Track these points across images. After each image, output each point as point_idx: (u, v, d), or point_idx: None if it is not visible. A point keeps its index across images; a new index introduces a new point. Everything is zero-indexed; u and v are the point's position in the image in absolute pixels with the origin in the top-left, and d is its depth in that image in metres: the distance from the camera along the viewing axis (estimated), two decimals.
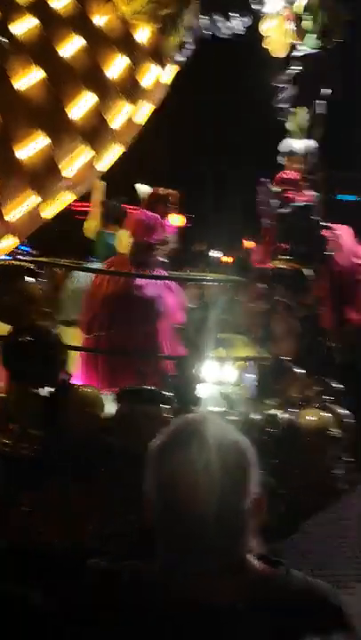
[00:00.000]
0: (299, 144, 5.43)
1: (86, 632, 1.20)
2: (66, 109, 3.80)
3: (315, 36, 5.13)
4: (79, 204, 6.65)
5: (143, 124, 4.38)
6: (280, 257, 5.34)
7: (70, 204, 4.12)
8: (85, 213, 7.05)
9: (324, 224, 5.34)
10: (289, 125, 5.66)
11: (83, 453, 3.41)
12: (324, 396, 4.38)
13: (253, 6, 5.09)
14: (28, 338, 3.63)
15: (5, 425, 3.44)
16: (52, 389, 3.71)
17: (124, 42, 4.17)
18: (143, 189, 5.59)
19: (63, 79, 3.83)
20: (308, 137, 5.40)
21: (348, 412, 4.47)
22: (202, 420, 1.31)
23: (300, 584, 1.26)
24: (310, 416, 4.18)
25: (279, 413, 4.15)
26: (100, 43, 4.06)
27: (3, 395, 3.73)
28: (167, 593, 1.19)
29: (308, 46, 5.21)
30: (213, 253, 15.86)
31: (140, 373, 3.94)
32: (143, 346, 4.94)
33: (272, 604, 1.19)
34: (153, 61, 4.31)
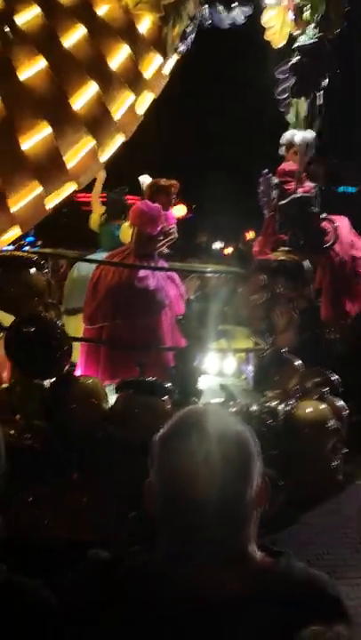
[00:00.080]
0: (300, 135, 5.41)
1: (88, 624, 1.21)
2: (70, 100, 3.79)
3: (314, 26, 5.12)
4: (84, 194, 6.65)
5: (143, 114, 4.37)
6: (280, 248, 5.35)
7: (75, 195, 4.12)
8: (90, 204, 7.07)
9: (324, 215, 5.35)
10: (289, 117, 5.65)
11: (87, 445, 3.42)
12: (323, 388, 4.40)
13: None
14: (32, 329, 3.64)
15: (10, 416, 3.45)
16: (56, 380, 3.73)
17: (128, 32, 4.15)
18: (145, 180, 5.58)
19: (67, 70, 3.82)
20: (309, 128, 5.39)
21: (346, 403, 4.51)
22: (205, 411, 1.32)
23: (301, 575, 1.27)
24: (309, 408, 4.19)
25: (278, 405, 4.17)
26: (103, 33, 4.04)
27: (7, 385, 3.75)
28: (169, 583, 1.20)
29: (308, 37, 5.19)
30: (217, 245, 15.84)
31: (141, 365, 3.95)
32: (145, 337, 4.95)
33: (273, 595, 1.20)
34: (156, 51, 4.30)
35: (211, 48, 6.20)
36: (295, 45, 5.21)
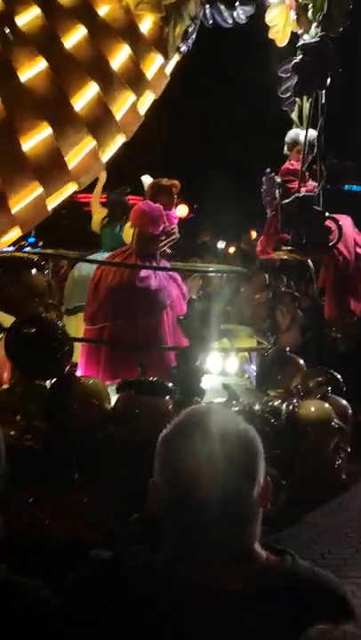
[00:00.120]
0: (303, 134, 5.40)
1: (89, 623, 1.21)
2: (70, 101, 3.78)
3: (316, 25, 5.10)
4: (85, 195, 6.65)
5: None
6: (283, 247, 5.34)
7: (76, 196, 4.12)
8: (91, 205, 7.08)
9: (327, 214, 5.33)
10: (293, 115, 5.65)
11: (88, 445, 3.42)
12: (326, 387, 4.39)
13: None
14: (33, 329, 3.64)
15: (10, 417, 3.45)
16: (57, 381, 3.73)
17: (129, 32, 4.14)
18: (147, 180, 5.58)
19: (68, 70, 3.82)
20: (312, 127, 5.37)
21: (349, 402, 4.50)
22: (209, 410, 1.32)
23: (306, 573, 1.27)
24: (312, 407, 4.19)
25: (281, 404, 4.16)
26: (104, 33, 4.03)
27: (7, 386, 3.75)
28: (172, 582, 1.20)
29: (310, 35, 5.18)
30: (220, 245, 15.85)
31: (142, 365, 3.94)
32: (146, 337, 4.94)
33: (278, 593, 1.20)
34: (157, 52, 4.29)
35: (212, 48, 6.20)
36: (298, 44, 5.20)
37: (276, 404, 4.18)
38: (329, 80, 5.03)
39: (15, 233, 3.76)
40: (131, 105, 4.14)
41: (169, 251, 5.64)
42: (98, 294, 5.10)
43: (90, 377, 4.23)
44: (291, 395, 4.34)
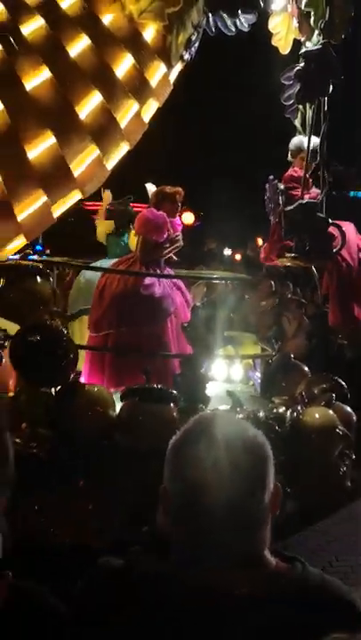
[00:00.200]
0: (307, 141, 5.41)
1: (101, 629, 1.21)
2: (75, 109, 3.80)
3: (318, 32, 5.12)
4: (92, 203, 6.67)
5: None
6: (286, 254, 5.34)
7: (84, 204, 4.14)
8: (97, 213, 7.11)
9: (330, 221, 5.34)
10: (296, 122, 5.66)
11: (93, 453, 3.42)
12: (330, 394, 4.39)
13: (261, 2, 5.08)
14: (38, 337, 3.64)
15: (16, 424, 3.45)
16: (62, 388, 3.73)
17: (132, 41, 4.17)
18: (152, 188, 5.60)
19: (72, 79, 3.84)
20: (315, 134, 5.39)
21: (353, 409, 4.49)
22: (218, 416, 1.33)
23: (316, 580, 1.27)
24: (316, 414, 4.18)
25: (286, 411, 4.15)
26: (107, 42, 4.06)
27: (12, 394, 3.75)
28: (179, 584, 1.20)
29: (313, 43, 5.20)
30: (227, 252, 15.86)
31: (146, 372, 3.94)
32: (151, 345, 4.95)
33: (288, 599, 1.20)
34: (160, 60, 4.31)
35: (215, 56, 6.22)
36: (301, 52, 5.22)
37: (280, 411, 4.18)
38: (331, 87, 5.05)
39: (20, 241, 3.78)
40: (135, 113, 4.16)
41: (175, 258, 5.65)
42: (102, 302, 5.11)
43: (95, 384, 4.23)
44: (295, 402, 4.34)
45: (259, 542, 1.25)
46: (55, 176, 3.70)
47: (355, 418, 4.49)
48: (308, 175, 5.48)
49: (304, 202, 5.25)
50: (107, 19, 4.13)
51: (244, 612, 1.17)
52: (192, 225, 14.65)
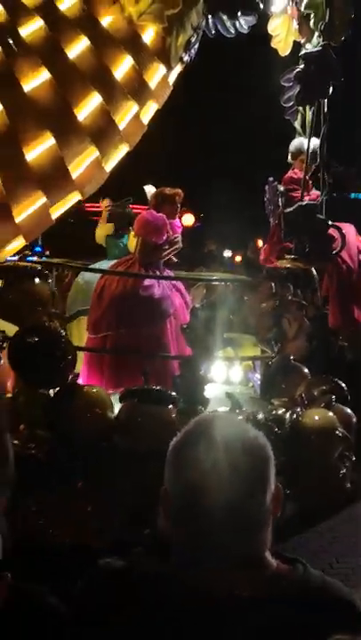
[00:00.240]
0: (307, 143, 5.42)
1: (101, 630, 1.21)
2: (74, 110, 3.80)
3: (318, 34, 5.13)
4: (93, 204, 6.67)
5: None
6: (286, 256, 5.34)
7: (83, 205, 4.13)
8: (99, 214, 7.14)
9: (330, 222, 5.34)
10: (296, 124, 5.67)
11: (91, 454, 3.42)
12: (330, 396, 4.39)
13: (261, 4, 5.09)
14: (36, 338, 3.64)
15: (14, 425, 3.45)
16: (61, 390, 3.73)
17: (131, 42, 4.16)
18: (150, 190, 5.60)
19: (71, 80, 3.83)
20: (315, 135, 5.39)
21: (354, 410, 4.49)
22: (219, 418, 1.32)
23: (317, 582, 1.27)
24: (316, 415, 4.18)
25: (285, 413, 4.15)
26: (107, 44, 4.05)
27: (11, 395, 3.75)
28: (179, 585, 1.20)
29: (312, 44, 5.21)
30: (227, 253, 15.86)
31: (145, 374, 3.94)
32: (150, 346, 4.95)
33: (289, 600, 1.20)
34: (160, 61, 4.31)
35: (215, 57, 6.22)
36: (300, 53, 5.23)
37: (279, 412, 4.18)
38: (331, 89, 5.05)
39: (19, 242, 3.77)
40: (134, 115, 4.16)
41: (175, 259, 5.66)
42: (101, 303, 5.11)
43: (93, 386, 4.23)
44: (295, 403, 4.34)
45: (260, 544, 1.25)
46: (54, 177, 3.69)
47: (355, 420, 4.48)
48: (308, 177, 5.49)
49: (304, 203, 5.26)
50: (106, 20, 4.12)
51: (245, 613, 1.17)
52: (192, 226, 14.65)
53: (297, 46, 5.42)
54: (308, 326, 4.98)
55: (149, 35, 4.27)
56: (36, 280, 3.91)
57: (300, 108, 5.52)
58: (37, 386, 3.66)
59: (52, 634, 1.24)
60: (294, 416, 4.11)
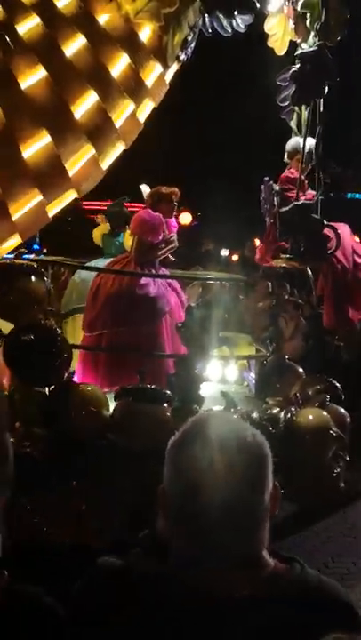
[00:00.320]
0: (306, 143, 5.42)
1: (100, 629, 1.21)
2: (71, 108, 3.80)
3: (314, 34, 5.14)
4: (90, 202, 6.68)
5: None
6: (281, 255, 5.35)
7: (81, 203, 4.13)
8: (96, 212, 7.17)
9: (326, 222, 5.35)
10: (292, 124, 5.67)
11: (86, 452, 3.42)
12: (325, 395, 4.39)
13: (257, 3, 5.09)
14: (31, 336, 3.64)
15: (10, 423, 3.44)
16: (56, 388, 3.73)
17: (128, 41, 4.16)
18: (146, 189, 5.60)
19: (67, 78, 3.82)
20: (310, 135, 5.39)
21: (349, 410, 4.49)
22: (217, 416, 1.35)
23: (314, 581, 1.27)
24: (310, 415, 4.18)
25: (279, 412, 4.16)
26: (103, 42, 4.05)
27: (6, 393, 3.74)
28: (179, 584, 1.20)
29: (308, 44, 5.22)
30: (224, 252, 15.88)
31: (141, 372, 3.95)
32: (145, 344, 4.95)
33: (288, 600, 1.21)
34: (156, 60, 4.31)
35: (211, 56, 6.22)
36: (297, 53, 5.23)
37: (274, 411, 4.18)
38: (327, 88, 5.06)
39: (15, 240, 3.76)
40: (130, 113, 4.15)
41: (172, 258, 5.66)
42: (97, 301, 5.11)
43: (88, 384, 4.23)
44: (289, 403, 4.34)
45: (258, 543, 1.25)
46: (50, 175, 3.68)
47: (349, 419, 4.49)
48: (303, 177, 5.49)
49: (299, 203, 5.26)
50: (103, 18, 4.12)
51: (244, 612, 1.17)
52: (189, 225, 14.66)
53: (293, 46, 5.43)
54: (305, 326, 4.98)
55: (146, 33, 4.27)
56: (32, 278, 3.91)
57: (296, 108, 5.53)
58: (33, 384, 3.66)
59: (50, 635, 1.24)
60: (289, 415, 4.12)
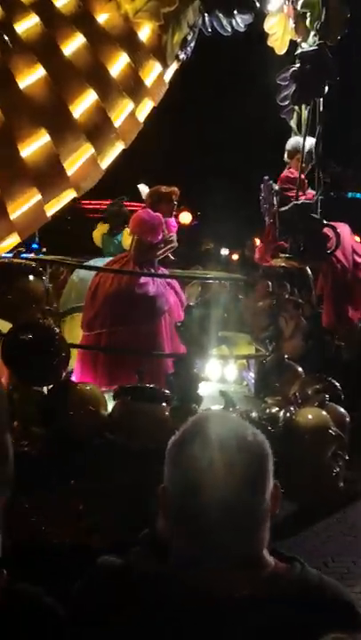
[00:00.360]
0: (307, 142, 5.42)
1: (100, 629, 1.21)
2: (69, 108, 3.80)
3: (314, 33, 5.13)
4: (89, 201, 6.68)
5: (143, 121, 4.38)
6: (281, 255, 5.34)
7: (80, 202, 4.13)
8: (96, 211, 7.18)
9: (325, 222, 5.34)
10: (292, 123, 5.66)
11: (85, 451, 3.42)
12: (324, 395, 4.39)
13: (257, 3, 5.09)
14: (30, 335, 3.64)
15: (9, 422, 3.44)
16: (54, 387, 3.72)
17: (127, 40, 4.16)
18: (144, 189, 5.60)
19: (66, 77, 3.83)
20: (310, 134, 5.39)
21: (349, 410, 4.49)
22: (217, 416, 1.34)
23: (315, 581, 1.27)
24: (309, 414, 4.18)
25: (279, 412, 4.15)
26: (102, 41, 4.05)
27: (5, 392, 3.74)
28: (179, 584, 1.20)
29: (308, 43, 5.21)
30: (224, 252, 15.89)
31: (140, 372, 3.94)
32: (144, 343, 4.94)
33: (288, 599, 1.20)
34: (156, 59, 4.30)
35: (211, 56, 6.22)
36: (296, 52, 5.22)
37: (273, 411, 4.17)
38: (327, 88, 5.05)
39: (14, 239, 3.77)
40: (130, 112, 4.15)
41: (172, 257, 5.66)
42: (95, 301, 5.11)
43: (87, 383, 4.23)
44: (289, 402, 4.33)
45: (258, 542, 1.25)
46: (49, 174, 3.69)
47: (348, 419, 4.49)
48: (303, 176, 5.49)
49: (299, 202, 5.25)
50: (102, 18, 4.12)
51: (244, 612, 1.17)
52: (189, 225, 14.66)
53: (293, 45, 5.42)
54: (305, 325, 4.98)
55: (145, 32, 4.27)
56: (31, 277, 3.90)
57: (296, 107, 5.52)
58: (31, 383, 3.66)
59: (50, 635, 1.24)
60: (288, 415, 4.11)
